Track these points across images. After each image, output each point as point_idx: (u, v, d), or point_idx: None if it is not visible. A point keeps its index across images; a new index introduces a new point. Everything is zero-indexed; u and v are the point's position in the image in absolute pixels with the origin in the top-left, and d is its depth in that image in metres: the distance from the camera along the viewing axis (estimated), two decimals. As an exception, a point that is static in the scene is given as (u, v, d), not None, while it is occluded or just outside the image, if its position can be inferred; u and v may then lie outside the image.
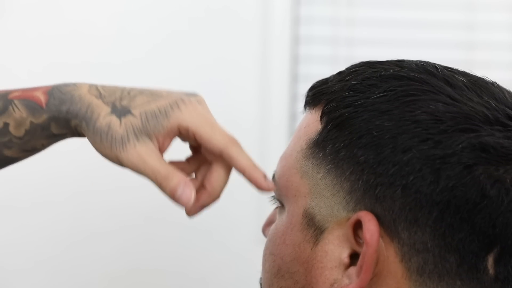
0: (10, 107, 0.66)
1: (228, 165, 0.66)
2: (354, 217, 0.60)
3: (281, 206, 0.68)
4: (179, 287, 1.55)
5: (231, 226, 1.57)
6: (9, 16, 1.52)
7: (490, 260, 0.58)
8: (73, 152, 1.35)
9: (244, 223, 1.56)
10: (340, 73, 0.66)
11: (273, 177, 0.69)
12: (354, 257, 0.61)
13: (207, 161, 0.68)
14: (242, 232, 1.56)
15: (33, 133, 0.67)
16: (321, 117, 0.64)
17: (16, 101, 0.67)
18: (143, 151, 0.64)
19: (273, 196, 0.69)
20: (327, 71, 0.70)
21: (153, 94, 0.66)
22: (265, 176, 0.65)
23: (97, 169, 1.40)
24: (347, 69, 0.67)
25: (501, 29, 1.60)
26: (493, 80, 0.64)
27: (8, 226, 1.53)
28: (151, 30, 1.55)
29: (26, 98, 0.67)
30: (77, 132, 0.67)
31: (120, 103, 0.66)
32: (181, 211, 0.67)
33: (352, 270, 0.60)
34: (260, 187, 0.64)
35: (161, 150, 0.66)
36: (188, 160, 0.70)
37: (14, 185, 1.51)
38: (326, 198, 0.62)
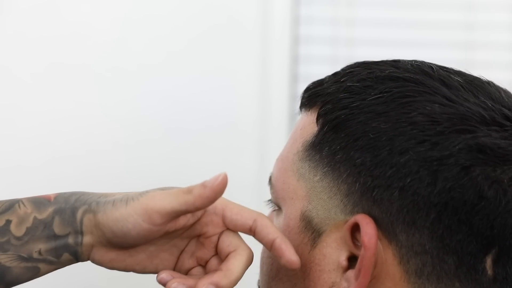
0: (16, 205, 0.65)
1: (248, 255, 0.64)
2: (351, 220, 0.60)
3: (278, 209, 0.67)
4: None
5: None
6: (9, 16, 1.51)
7: (488, 261, 0.58)
8: (72, 150, 1.35)
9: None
10: (335, 74, 0.66)
11: (270, 179, 0.68)
12: (352, 260, 0.60)
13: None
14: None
15: (34, 232, 0.64)
16: (317, 119, 0.64)
17: (24, 199, 0.66)
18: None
19: (269, 199, 0.69)
20: (327, 71, 0.69)
21: (166, 188, 0.64)
22: (294, 250, 0.62)
23: (96, 167, 1.40)
24: (342, 70, 0.66)
25: (500, 29, 1.59)
26: (489, 80, 0.64)
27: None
28: (152, 32, 1.55)
29: (36, 197, 0.66)
30: (81, 230, 0.64)
31: (135, 193, 0.64)
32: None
33: (351, 273, 0.60)
34: (289, 259, 0.61)
35: None
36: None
37: (12, 182, 1.50)
38: (323, 201, 0.62)
